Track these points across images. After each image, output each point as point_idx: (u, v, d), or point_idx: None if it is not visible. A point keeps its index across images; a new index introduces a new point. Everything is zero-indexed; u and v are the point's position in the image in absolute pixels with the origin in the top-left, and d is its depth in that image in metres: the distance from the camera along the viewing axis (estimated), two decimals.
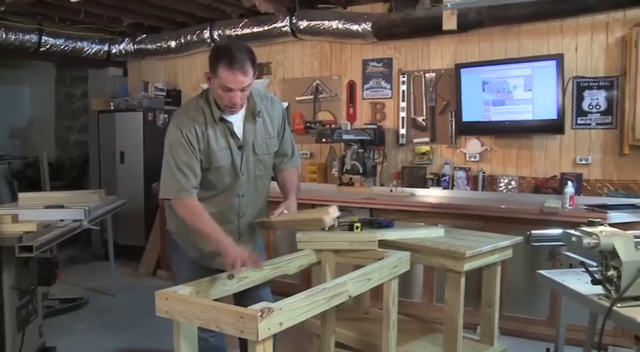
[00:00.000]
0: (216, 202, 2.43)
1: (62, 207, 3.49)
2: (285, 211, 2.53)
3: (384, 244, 2.80)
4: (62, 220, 3.34)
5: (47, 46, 6.00)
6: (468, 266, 2.71)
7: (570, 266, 2.40)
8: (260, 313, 1.66)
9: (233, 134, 2.41)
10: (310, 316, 1.93)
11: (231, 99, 2.27)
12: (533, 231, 2.53)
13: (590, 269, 1.84)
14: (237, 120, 2.43)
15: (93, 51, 6.44)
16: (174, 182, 2.32)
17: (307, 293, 1.91)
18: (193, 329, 1.98)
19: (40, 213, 3.30)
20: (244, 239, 2.55)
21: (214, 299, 2.04)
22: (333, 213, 2.58)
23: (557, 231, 2.28)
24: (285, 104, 5.60)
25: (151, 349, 3.73)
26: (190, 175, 2.32)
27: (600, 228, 1.75)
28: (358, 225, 3.05)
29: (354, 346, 3.16)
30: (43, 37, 5.93)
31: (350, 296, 2.17)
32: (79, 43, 6.29)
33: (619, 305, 1.67)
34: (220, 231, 2.29)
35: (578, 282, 1.98)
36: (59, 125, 8.12)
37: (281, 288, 2.81)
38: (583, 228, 1.75)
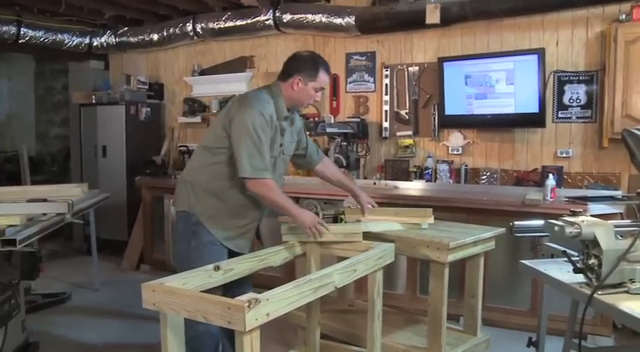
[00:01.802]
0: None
1: (45, 200, 3.45)
2: (370, 206, 3.10)
3: (368, 236, 2.83)
4: (45, 214, 3.30)
5: (26, 38, 5.90)
6: (451, 257, 2.75)
7: (552, 257, 2.45)
8: (247, 304, 1.67)
9: (282, 132, 2.75)
10: (297, 307, 1.95)
11: (316, 98, 2.76)
12: (515, 222, 2.57)
13: (572, 258, 1.88)
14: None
15: (73, 43, 6.35)
16: (259, 162, 2.54)
17: (294, 284, 1.93)
18: (180, 321, 1.99)
19: (23, 206, 3.25)
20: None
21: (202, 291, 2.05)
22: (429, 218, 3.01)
23: (540, 222, 2.32)
24: None
25: (135, 343, 3.71)
26: (267, 157, 2.59)
27: (582, 217, 1.78)
28: (343, 216, 3.09)
29: (339, 337, 3.19)
30: (21, 28, 5.81)
31: (336, 287, 2.20)
32: (59, 36, 6.19)
33: (600, 292, 1.70)
34: (293, 203, 2.67)
35: (560, 271, 2.01)
36: (39, 119, 8.01)
37: (264, 281, 2.83)
38: (565, 218, 1.79)
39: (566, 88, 4.36)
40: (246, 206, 2.73)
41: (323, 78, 2.73)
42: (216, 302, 1.75)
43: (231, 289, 2.40)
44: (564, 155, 4.38)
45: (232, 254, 2.66)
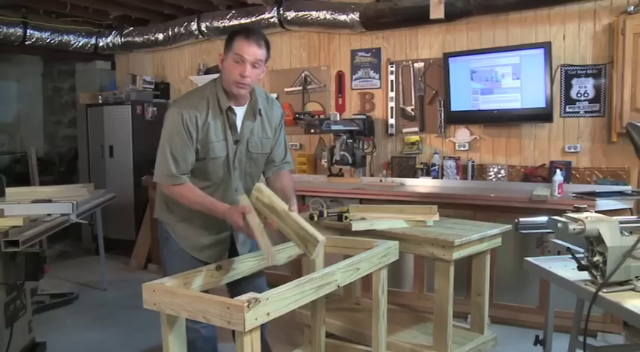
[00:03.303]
0: (214, 196, 2.41)
1: (49, 201, 3.46)
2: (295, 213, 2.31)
3: (373, 234, 2.81)
4: (49, 214, 3.31)
5: (33, 40, 5.95)
6: (456, 254, 2.72)
7: (558, 254, 2.41)
8: (247, 303, 1.65)
9: (233, 127, 2.42)
10: (298, 306, 1.92)
11: (242, 72, 2.28)
12: (520, 219, 2.54)
13: (577, 255, 1.84)
14: (239, 114, 2.44)
15: (80, 44, 6.39)
16: (166, 167, 2.33)
17: (295, 283, 1.91)
18: (181, 321, 1.98)
19: (27, 207, 3.26)
20: (237, 233, 2.55)
21: (204, 291, 2.04)
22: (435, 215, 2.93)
23: (545, 219, 2.28)
24: (274, 95, 5.58)
25: (143, 343, 3.72)
26: (182, 163, 2.34)
27: (586, 214, 1.75)
28: (347, 214, 3.07)
29: (345, 336, 3.18)
30: (28, 30, 5.87)
31: (338, 286, 2.17)
32: (65, 37, 6.24)
33: (605, 290, 1.68)
34: (212, 200, 2.33)
35: (565, 269, 1.98)
36: (47, 120, 8.05)
37: (272, 280, 2.81)
38: (569, 214, 1.76)
39: (574, 81, 4.30)
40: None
41: (239, 45, 2.27)
42: (216, 302, 1.73)
43: (245, 286, 2.37)
44: (572, 150, 4.33)
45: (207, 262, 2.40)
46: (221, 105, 2.37)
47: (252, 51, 2.28)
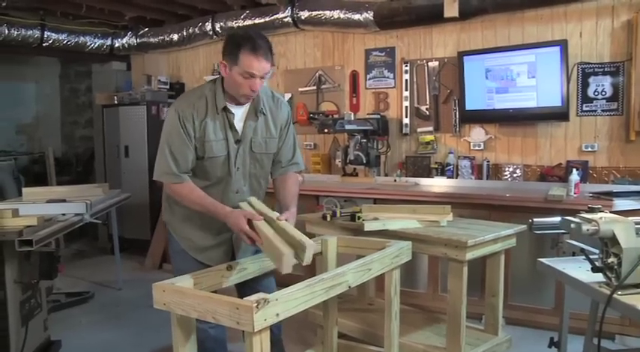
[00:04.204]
0: (212, 195, 2.39)
1: (64, 201, 3.50)
2: (287, 220, 2.22)
3: (386, 234, 2.79)
4: (64, 214, 3.34)
5: (50, 42, 6.03)
6: (470, 255, 2.70)
7: (573, 254, 2.37)
8: (256, 304, 1.64)
9: (232, 127, 2.38)
10: (308, 307, 1.91)
11: (252, 87, 2.25)
12: (535, 219, 2.49)
13: (592, 256, 1.81)
14: (239, 113, 2.40)
15: (96, 45, 6.46)
16: (165, 165, 2.33)
17: (305, 284, 1.90)
18: (191, 321, 1.98)
19: (42, 207, 3.30)
20: (237, 240, 2.50)
21: (213, 291, 2.03)
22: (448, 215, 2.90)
23: (559, 219, 2.25)
24: (289, 95, 5.58)
25: (157, 342, 3.73)
26: (181, 160, 2.32)
27: (600, 214, 1.72)
28: (360, 214, 3.06)
29: (358, 336, 3.17)
30: (45, 32, 5.95)
31: (349, 287, 2.16)
32: (81, 38, 6.32)
33: (619, 292, 1.64)
34: (213, 201, 2.30)
35: (580, 270, 1.95)
36: (65, 120, 8.14)
37: (285, 279, 2.79)
38: (583, 215, 1.72)
39: (591, 80, 4.23)
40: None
41: (246, 61, 2.19)
42: (225, 303, 1.72)
43: (253, 286, 2.36)
44: (589, 149, 4.26)
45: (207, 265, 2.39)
46: (217, 104, 2.34)
47: (262, 67, 2.24)
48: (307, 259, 2.00)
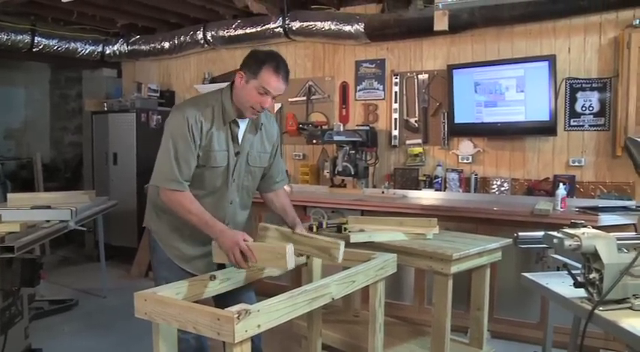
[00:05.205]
0: (205, 204, 2.38)
1: (49, 207, 3.47)
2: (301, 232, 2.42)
3: (371, 246, 2.78)
4: (48, 221, 3.31)
5: (40, 47, 5.98)
6: (455, 268, 2.68)
7: (558, 269, 2.38)
8: (237, 315, 1.63)
9: (235, 139, 2.41)
10: (290, 318, 1.90)
11: (263, 103, 2.29)
12: (520, 233, 2.49)
13: (575, 271, 1.81)
14: (242, 126, 2.43)
15: (87, 52, 6.43)
16: (170, 171, 2.29)
17: (287, 295, 1.88)
18: (173, 331, 1.96)
19: (26, 213, 3.27)
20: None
21: (195, 301, 2.01)
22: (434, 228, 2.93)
23: (542, 233, 2.25)
24: (278, 105, 5.58)
25: (140, 351, 3.69)
26: (184, 168, 2.30)
27: (583, 229, 1.72)
28: (347, 226, 3.05)
29: (342, 348, 3.13)
30: (36, 37, 5.90)
31: (333, 299, 2.14)
32: (72, 44, 6.27)
33: (601, 308, 1.64)
34: (213, 220, 2.26)
35: (563, 285, 1.95)
36: (54, 126, 8.10)
37: (270, 290, 2.78)
38: (565, 230, 1.73)
39: (579, 95, 4.27)
40: None
41: (267, 78, 2.24)
42: (206, 313, 1.71)
43: (233, 297, 2.33)
44: (577, 164, 4.29)
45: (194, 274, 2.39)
46: (225, 116, 2.35)
47: (279, 87, 2.29)
48: (341, 256, 2.18)
